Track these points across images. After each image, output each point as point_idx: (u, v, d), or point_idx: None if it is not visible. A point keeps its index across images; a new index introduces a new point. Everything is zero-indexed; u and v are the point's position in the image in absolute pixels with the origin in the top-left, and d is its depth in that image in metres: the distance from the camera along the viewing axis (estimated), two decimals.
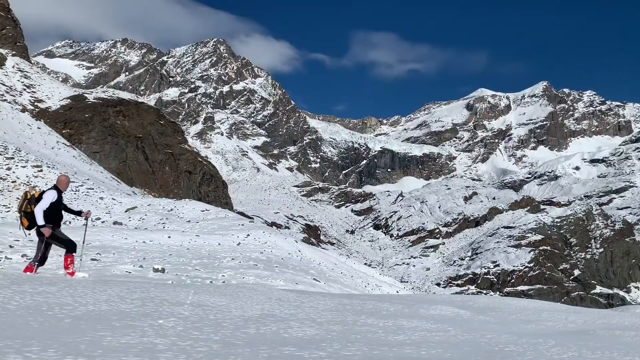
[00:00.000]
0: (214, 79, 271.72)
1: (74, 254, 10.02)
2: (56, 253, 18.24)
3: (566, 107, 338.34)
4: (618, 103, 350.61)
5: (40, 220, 9.58)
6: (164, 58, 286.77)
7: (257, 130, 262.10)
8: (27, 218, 9.79)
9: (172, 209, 37.92)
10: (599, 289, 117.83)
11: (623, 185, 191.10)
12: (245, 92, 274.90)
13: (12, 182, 37.80)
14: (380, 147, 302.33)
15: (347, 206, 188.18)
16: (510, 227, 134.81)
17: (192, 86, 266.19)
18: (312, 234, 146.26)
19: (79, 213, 10.53)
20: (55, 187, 9.96)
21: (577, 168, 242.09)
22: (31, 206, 9.74)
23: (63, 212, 10.05)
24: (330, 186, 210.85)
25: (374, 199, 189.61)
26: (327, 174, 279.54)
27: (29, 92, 65.53)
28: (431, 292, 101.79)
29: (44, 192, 9.90)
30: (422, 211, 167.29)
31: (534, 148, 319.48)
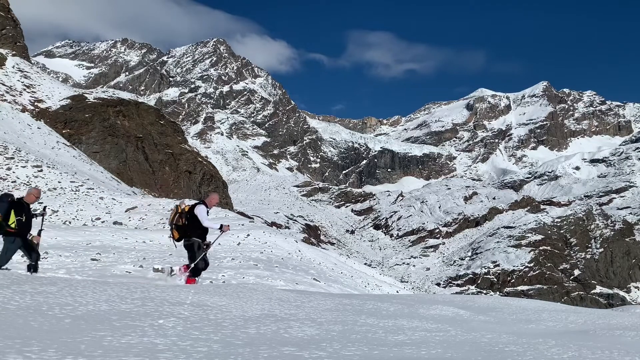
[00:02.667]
0: (214, 79, 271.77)
1: (191, 265, 10.42)
2: (56, 253, 18.23)
3: (566, 107, 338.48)
4: (618, 103, 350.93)
5: (215, 225, 10.26)
6: (164, 58, 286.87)
7: (257, 130, 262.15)
8: (178, 231, 10.35)
9: (172, 209, 37.92)
10: (599, 289, 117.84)
11: (623, 185, 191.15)
12: (245, 92, 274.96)
13: (12, 182, 37.80)
14: (380, 147, 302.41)
15: (347, 206, 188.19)
16: (510, 227, 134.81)
17: (192, 86, 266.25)
18: (312, 234, 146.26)
19: (220, 227, 10.78)
20: (202, 202, 10.56)
21: (577, 168, 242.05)
22: (182, 219, 10.29)
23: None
24: (330, 186, 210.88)
25: (374, 199, 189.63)
26: (327, 174, 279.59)
27: (29, 92, 65.54)
28: (431, 292, 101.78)
29: (193, 206, 10.47)
30: (422, 211, 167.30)
31: (534, 148, 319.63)
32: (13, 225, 10.20)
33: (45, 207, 12.28)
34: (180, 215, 10.40)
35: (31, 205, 10.80)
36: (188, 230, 10.34)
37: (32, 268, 10.51)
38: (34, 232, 10.75)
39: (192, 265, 10.36)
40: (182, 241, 10.43)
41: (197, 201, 10.68)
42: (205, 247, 10.49)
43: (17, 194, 36.13)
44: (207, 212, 10.46)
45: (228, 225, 10.47)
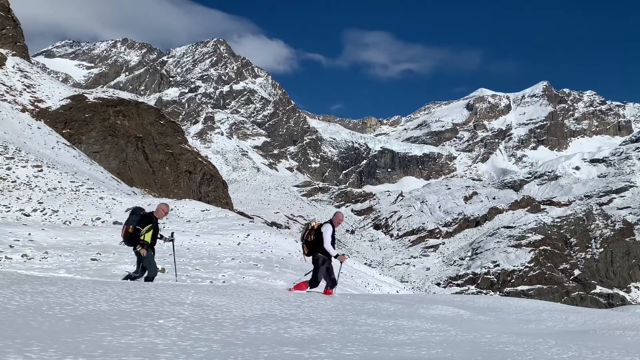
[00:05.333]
0: (214, 79, 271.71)
1: (329, 288, 11.15)
2: (56, 253, 18.22)
3: (566, 107, 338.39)
4: (618, 103, 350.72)
5: (332, 252, 10.94)
6: (164, 58, 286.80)
7: (257, 130, 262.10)
8: (308, 246, 11.11)
9: (172, 209, 37.93)
10: (599, 289, 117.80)
11: (623, 185, 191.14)
12: (245, 92, 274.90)
13: (12, 182, 37.79)
14: (380, 147, 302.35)
15: (347, 206, 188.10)
16: (510, 227, 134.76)
17: (192, 86, 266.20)
18: None
19: (337, 256, 11.53)
20: (330, 222, 11.15)
21: (577, 168, 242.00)
22: (311, 236, 11.04)
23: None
24: (331, 186, 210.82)
25: (374, 199, 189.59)
26: (327, 173, 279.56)
27: (29, 92, 65.52)
28: (431, 292, 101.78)
29: (321, 225, 11.14)
30: (422, 211, 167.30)
31: (534, 148, 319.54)
32: (145, 238, 10.81)
33: (172, 233, 12.29)
34: (310, 232, 11.16)
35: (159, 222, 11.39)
36: (315, 247, 11.05)
37: (130, 278, 10.86)
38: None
39: (311, 277, 11.17)
40: (312, 257, 11.21)
41: (326, 220, 11.36)
42: (318, 262, 11.15)
43: (16, 194, 36.07)
44: (334, 231, 11.11)
45: (344, 256, 11.24)
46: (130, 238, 10.70)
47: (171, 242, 11.73)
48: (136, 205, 13.78)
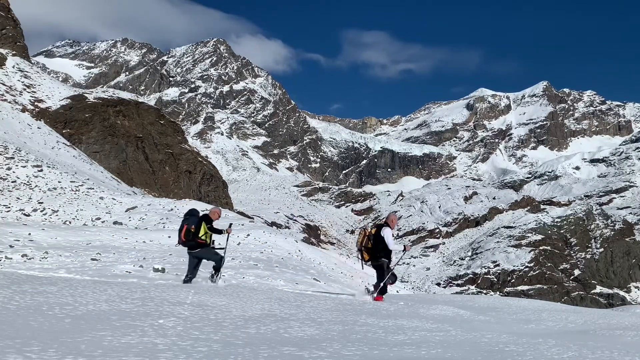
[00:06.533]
0: (214, 78, 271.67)
1: (389, 284, 11.37)
2: (56, 253, 18.22)
3: (566, 107, 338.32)
4: (618, 103, 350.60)
5: (400, 248, 11.46)
6: (164, 58, 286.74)
7: (257, 130, 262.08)
8: (367, 252, 11.16)
9: (172, 209, 37.94)
10: (599, 289, 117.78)
11: (623, 185, 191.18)
12: (245, 92, 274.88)
13: (12, 182, 37.79)
14: (381, 147, 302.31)
15: (347, 206, 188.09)
16: (511, 227, 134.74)
17: (192, 86, 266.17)
18: (312, 234, 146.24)
19: (404, 249, 12.07)
20: (386, 224, 11.30)
21: (577, 168, 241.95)
22: (370, 242, 11.07)
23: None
24: (331, 186, 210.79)
25: (374, 199, 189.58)
26: (327, 173, 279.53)
27: (29, 92, 65.52)
28: (431, 292, 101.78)
29: (379, 229, 11.18)
30: (422, 211, 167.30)
31: (534, 148, 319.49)
32: (204, 237, 11.43)
33: (230, 224, 12.72)
34: (368, 237, 11.17)
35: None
36: (376, 252, 11.11)
37: (215, 271, 11.77)
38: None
39: (381, 284, 11.19)
40: (370, 263, 11.29)
41: (382, 224, 11.43)
42: (378, 268, 11.29)
43: (16, 194, 36.07)
44: (392, 234, 11.30)
45: (410, 245, 11.37)
46: (191, 237, 11.32)
47: (227, 234, 12.17)
48: (192, 207, 14.77)
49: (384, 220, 11.57)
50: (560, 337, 7.01)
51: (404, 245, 11.39)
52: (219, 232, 11.68)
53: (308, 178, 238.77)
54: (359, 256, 11.40)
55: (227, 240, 12.98)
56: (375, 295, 11.19)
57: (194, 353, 4.34)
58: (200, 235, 11.34)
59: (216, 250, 11.73)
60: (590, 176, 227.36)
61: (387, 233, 11.05)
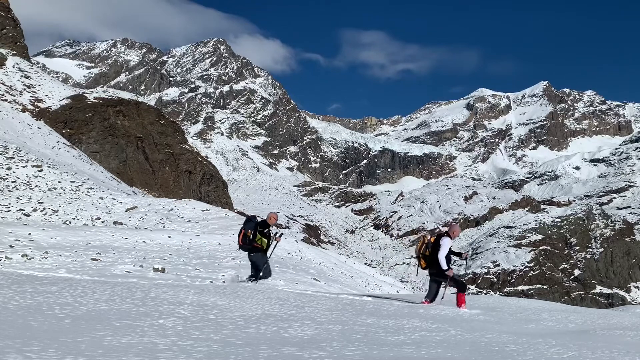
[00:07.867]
0: (214, 78, 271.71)
1: (465, 293, 11.02)
2: (56, 253, 18.22)
3: (566, 107, 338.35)
4: (618, 103, 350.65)
5: (444, 265, 10.74)
6: (164, 58, 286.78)
7: (257, 130, 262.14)
8: (425, 260, 11.02)
9: (172, 209, 37.94)
10: (599, 289, 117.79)
11: (623, 185, 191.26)
12: (245, 92, 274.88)
13: (12, 182, 37.80)
14: (381, 147, 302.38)
15: (347, 206, 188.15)
16: (511, 227, 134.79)
17: (192, 86, 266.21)
18: (312, 234, 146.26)
19: (460, 255, 11.69)
20: (447, 234, 10.99)
21: (577, 168, 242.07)
22: (428, 250, 10.94)
23: (450, 255, 11.26)
24: (331, 186, 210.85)
25: (374, 199, 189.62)
26: (327, 173, 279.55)
27: (29, 92, 65.53)
28: None
29: (438, 238, 11.01)
30: (422, 211, 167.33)
31: (534, 148, 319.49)
32: (259, 242, 12.11)
33: (281, 234, 13.09)
34: (427, 246, 11.06)
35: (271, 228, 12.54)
36: (433, 261, 10.96)
37: (253, 278, 12.48)
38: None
39: (457, 288, 11.09)
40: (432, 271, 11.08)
41: (442, 233, 11.21)
42: (442, 276, 11.04)
43: (16, 194, 36.09)
44: (451, 245, 11.07)
45: (451, 270, 10.96)
46: (248, 242, 12.01)
47: (276, 242, 12.61)
48: (251, 214, 15.95)
49: (444, 230, 11.45)
50: (560, 337, 7.01)
51: (449, 268, 10.71)
52: (268, 238, 12.26)
53: (308, 178, 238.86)
54: (416, 263, 11.33)
55: (273, 248, 13.31)
56: (461, 307, 10.74)
57: (194, 353, 4.34)
58: (256, 240, 12.05)
59: (266, 262, 12.46)
60: (590, 176, 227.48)
61: (444, 242, 10.78)
